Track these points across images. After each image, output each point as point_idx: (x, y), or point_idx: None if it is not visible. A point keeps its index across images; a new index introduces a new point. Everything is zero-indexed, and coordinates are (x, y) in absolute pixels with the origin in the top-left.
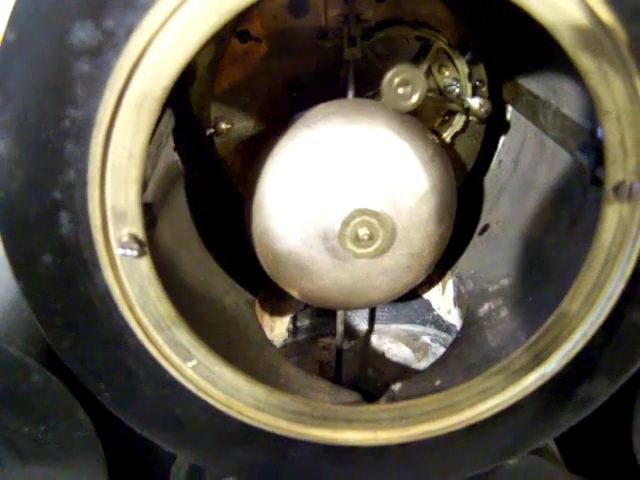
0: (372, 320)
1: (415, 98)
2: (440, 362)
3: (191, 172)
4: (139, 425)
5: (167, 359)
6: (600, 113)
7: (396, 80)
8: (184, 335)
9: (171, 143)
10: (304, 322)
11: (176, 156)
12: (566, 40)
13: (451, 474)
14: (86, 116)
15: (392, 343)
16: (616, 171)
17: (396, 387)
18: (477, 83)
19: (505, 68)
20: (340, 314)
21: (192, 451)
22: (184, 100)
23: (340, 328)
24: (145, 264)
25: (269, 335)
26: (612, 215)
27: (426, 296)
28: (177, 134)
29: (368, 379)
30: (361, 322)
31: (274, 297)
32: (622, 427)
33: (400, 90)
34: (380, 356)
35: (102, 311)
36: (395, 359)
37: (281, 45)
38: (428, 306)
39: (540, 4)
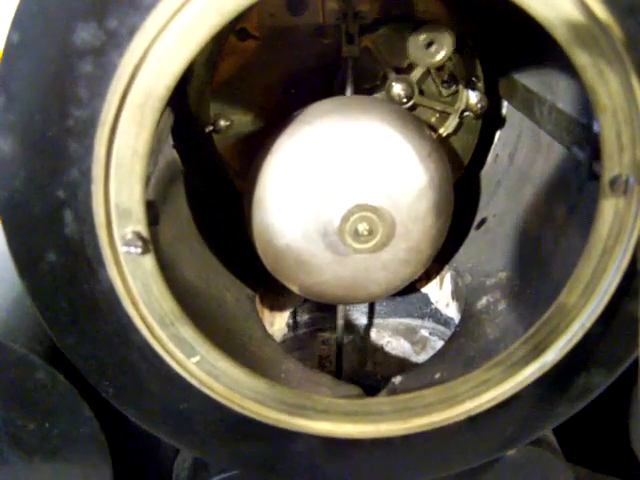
0: (371, 314)
1: (440, 56)
2: (439, 355)
3: (190, 169)
4: (143, 420)
5: (171, 355)
6: (596, 108)
7: (422, 37)
8: (187, 331)
9: (170, 141)
10: (303, 317)
11: (175, 154)
12: (562, 37)
13: (453, 465)
14: (90, 115)
15: (391, 337)
16: (612, 165)
17: (396, 380)
18: (473, 79)
19: (501, 64)
20: (340, 308)
21: (195, 445)
22: (182, 98)
23: (340, 323)
24: (149, 261)
25: (269, 330)
26: (608, 209)
27: (424, 290)
28: (175, 132)
29: (367, 373)
30: (360, 316)
31: (274, 292)
32: (619, 418)
33: (426, 47)
34: (379, 350)
35: (106, 308)
36: (394, 353)
37: (279, 42)
38: (426, 300)
39: (536, 1)
